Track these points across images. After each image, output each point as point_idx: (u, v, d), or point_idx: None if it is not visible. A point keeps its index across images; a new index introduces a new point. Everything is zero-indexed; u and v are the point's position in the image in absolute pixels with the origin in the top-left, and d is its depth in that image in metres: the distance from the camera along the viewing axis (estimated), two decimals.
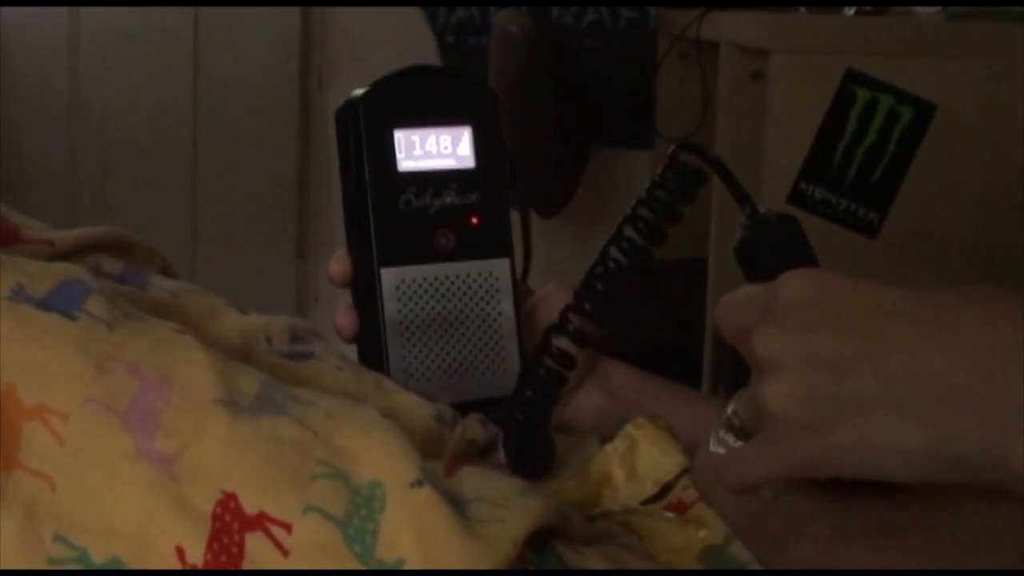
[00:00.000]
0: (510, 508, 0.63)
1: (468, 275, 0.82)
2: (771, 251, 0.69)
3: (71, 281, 0.67)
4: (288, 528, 0.60)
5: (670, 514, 0.74)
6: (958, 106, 1.74)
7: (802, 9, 2.09)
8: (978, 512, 0.54)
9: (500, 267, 0.83)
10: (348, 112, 0.83)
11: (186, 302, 0.79)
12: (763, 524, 0.57)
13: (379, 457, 0.63)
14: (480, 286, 0.83)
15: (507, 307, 0.83)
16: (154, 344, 0.65)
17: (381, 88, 0.83)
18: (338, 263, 0.85)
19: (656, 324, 2.02)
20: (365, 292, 0.83)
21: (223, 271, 2.84)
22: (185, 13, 2.87)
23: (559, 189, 2.54)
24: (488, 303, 0.82)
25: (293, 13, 2.90)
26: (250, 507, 0.60)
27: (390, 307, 0.81)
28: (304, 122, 2.95)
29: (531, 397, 0.77)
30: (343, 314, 0.86)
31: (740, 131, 2.05)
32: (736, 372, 1.84)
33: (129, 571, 0.60)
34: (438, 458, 0.70)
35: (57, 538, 0.60)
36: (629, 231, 0.75)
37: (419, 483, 0.62)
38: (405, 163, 0.82)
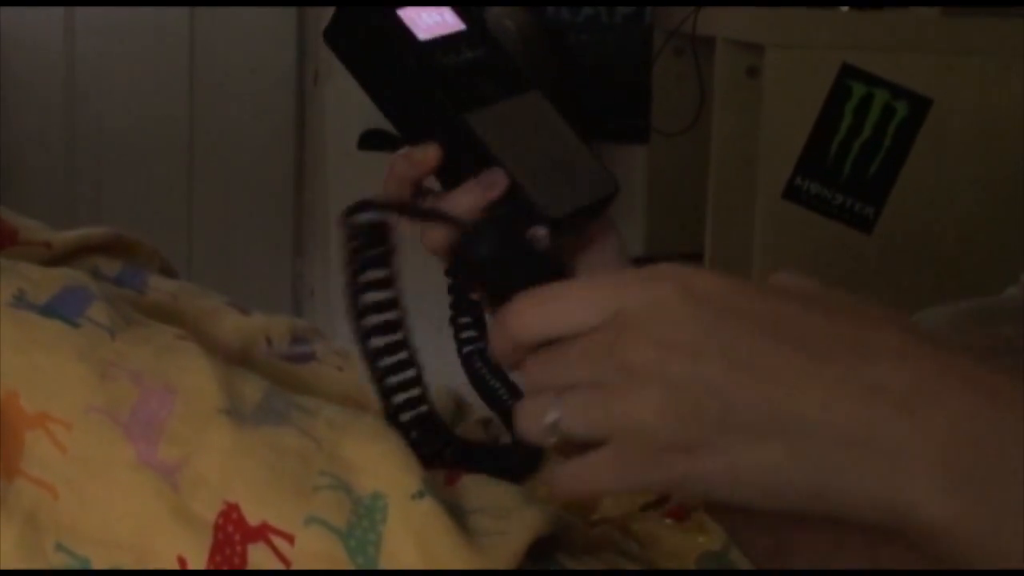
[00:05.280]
0: (511, 520, 0.63)
1: (522, 106, 0.83)
2: (506, 257, 0.65)
3: (73, 287, 0.66)
4: (290, 539, 0.60)
5: (669, 520, 0.74)
6: (954, 101, 1.74)
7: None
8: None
9: (537, 97, 0.84)
10: (350, 18, 0.83)
11: (185, 304, 0.79)
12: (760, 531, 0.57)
13: (381, 468, 0.62)
14: (536, 116, 0.83)
15: (565, 127, 0.83)
16: (157, 352, 0.64)
17: None
18: (425, 152, 0.76)
19: None
20: (462, 150, 0.78)
21: (219, 266, 2.84)
22: (181, 8, 2.86)
23: None
24: (555, 124, 0.83)
25: (289, 8, 2.90)
26: (252, 518, 0.60)
27: (492, 140, 0.78)
28: (300, 117, 2.94)
29: None
30: (464, 193, 0.74)
31: (735, 126, 2.05)
32: None
33: (129, 571, 0.60)
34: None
35: (59, 547, 0.60)
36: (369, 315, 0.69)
37: (420, 495, 0.61)
38: (422, 35, 0.82)
